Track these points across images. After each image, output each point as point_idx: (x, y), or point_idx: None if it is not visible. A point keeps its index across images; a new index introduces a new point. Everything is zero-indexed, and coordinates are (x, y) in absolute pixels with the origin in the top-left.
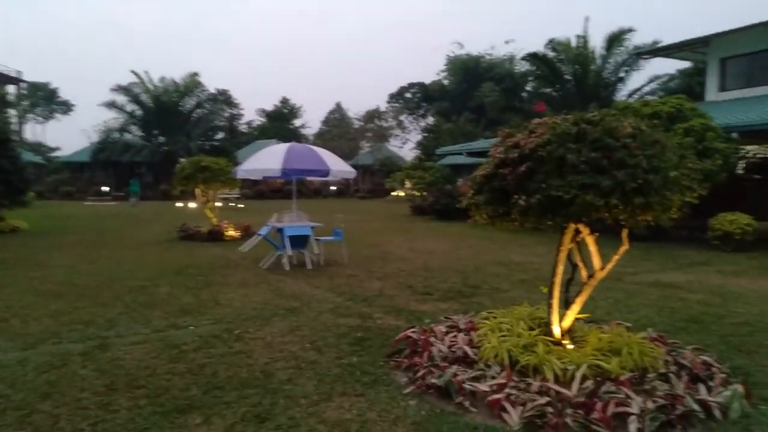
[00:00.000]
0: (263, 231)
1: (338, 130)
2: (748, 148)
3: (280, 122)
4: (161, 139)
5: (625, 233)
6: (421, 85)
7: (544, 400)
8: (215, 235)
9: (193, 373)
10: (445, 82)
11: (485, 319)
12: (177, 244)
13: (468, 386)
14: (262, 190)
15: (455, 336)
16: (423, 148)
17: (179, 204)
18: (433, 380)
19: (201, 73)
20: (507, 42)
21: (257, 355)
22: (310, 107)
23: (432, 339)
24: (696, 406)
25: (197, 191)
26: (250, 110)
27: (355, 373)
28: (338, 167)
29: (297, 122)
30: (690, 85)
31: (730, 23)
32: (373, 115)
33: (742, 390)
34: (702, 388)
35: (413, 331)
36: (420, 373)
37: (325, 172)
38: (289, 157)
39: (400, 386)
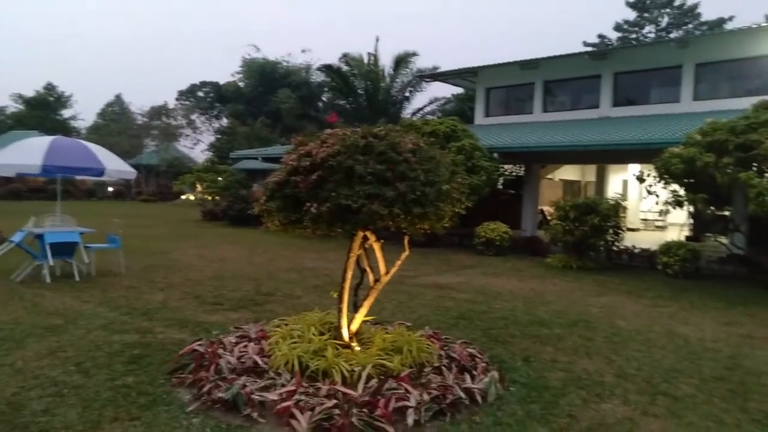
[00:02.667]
0: (17, 237)
1: (118, 125)
2: (506, 166)
3: (44, 111)
4: None
5: (406, 240)
6: (214, 85)
7: (331, 403)
8: None
9: None
10: (241, 84)
11: (277, 326)
12: None
13: (257, 397)
14: (18, 189)
15: (245, 346)
16: (216, 150)
17: None
18: (220, 394)
19: None
20: (304, 51)
21: (3, 384)
22: (84, 97)
23: (220, 351)
24: (462, 394)
25: None
26: (4, 95)
27: (131, 394)
28: (115, 166)
29: (66, 113)
30: (463, 108)
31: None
32: (159, 112)
33: (497, 376)
34: (467, 377)
35: (199, 344)
36: (206, 388)
37: (99, 171)
38: (53, 152)
39: (183, 404)
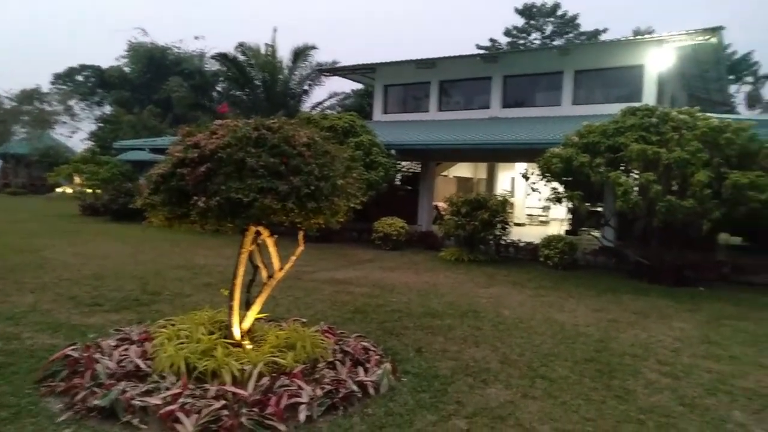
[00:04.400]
0: None
1: None
2: (403, 163)
3: None
4: None
5: (301, 235)
6: (96, 69)
7: (220, 404)
8: None
9: None
10: (127, 69)
11: (163, 327)
12: None
13: (138, 402)
14: None
15: (127, 349)
16: (98, 139)
17: None
18: (96, 401)
19: None
20: (197, 38)
21: None
22: None
23: (97, 355)
24: (355, 387)
25: None
26: None
27: None
28: None
29: None
30: (362, 104)
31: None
32: (31, 96)
33: (390, 367)
34: (361, 370)
35: (73, 349)
36: (80, 396)
37: None
38: None
39: (53, 414)
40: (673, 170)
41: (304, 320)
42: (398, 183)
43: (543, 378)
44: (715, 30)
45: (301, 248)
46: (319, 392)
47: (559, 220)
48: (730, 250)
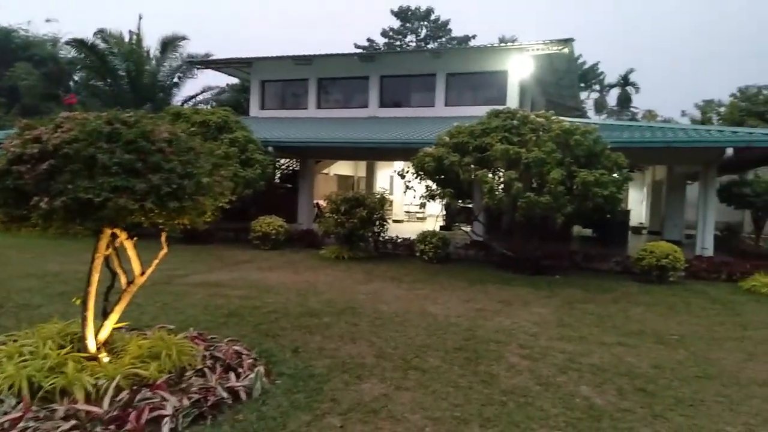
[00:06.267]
0: None
1: None
2: (282, 161)
3: None
4: None
5: (164, 237)
6: None
7: (69, 424)
8: None
9: None
10: None
11: (2, 344)
12: None
13: None
14: None
15: None
16: None
17: None
18: None
19: None
20: (48, 21)
21: None
22: None
23: None
24: (225, 394)
25: None
26: None
27: None
28: None
29: None
30: (238, 100)
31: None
32: None
33: (263, 370)
34: (233, 375)
35: None
36: None
37: None
38: None
39: None
40: (532, 169)
41: (172, 327)
42: (278, 181)
43: (416, 369)
44: (567, 41)
45: (164, 251)
46: (185, 402)
47: (434, 216)
48: (582, 241)
